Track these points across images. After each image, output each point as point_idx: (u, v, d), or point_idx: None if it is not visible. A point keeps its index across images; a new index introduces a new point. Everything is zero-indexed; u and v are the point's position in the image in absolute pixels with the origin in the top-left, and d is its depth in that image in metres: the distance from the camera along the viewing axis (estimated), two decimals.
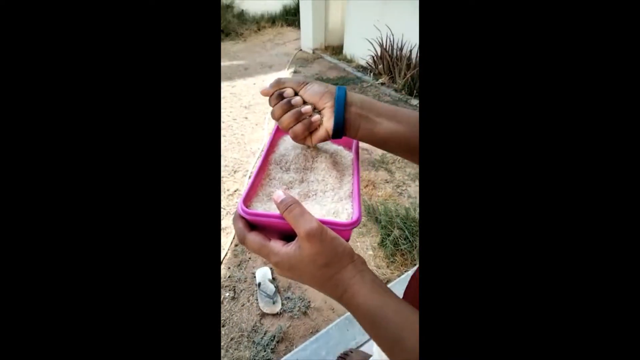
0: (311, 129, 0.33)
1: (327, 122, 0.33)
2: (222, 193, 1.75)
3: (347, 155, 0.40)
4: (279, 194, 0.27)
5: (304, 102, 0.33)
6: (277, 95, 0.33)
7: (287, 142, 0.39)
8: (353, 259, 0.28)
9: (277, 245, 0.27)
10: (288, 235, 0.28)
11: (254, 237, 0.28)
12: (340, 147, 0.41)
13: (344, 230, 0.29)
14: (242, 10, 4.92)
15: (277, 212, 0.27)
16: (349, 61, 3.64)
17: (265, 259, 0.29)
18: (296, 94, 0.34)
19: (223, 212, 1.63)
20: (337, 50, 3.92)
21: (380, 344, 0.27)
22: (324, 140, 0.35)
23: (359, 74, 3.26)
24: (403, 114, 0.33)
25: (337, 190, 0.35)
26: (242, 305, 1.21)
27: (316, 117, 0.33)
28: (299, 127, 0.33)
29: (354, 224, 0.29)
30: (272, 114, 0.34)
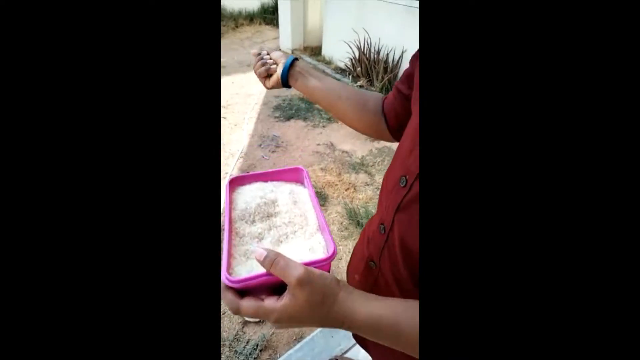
0: (269, 72, 0.53)
1: (278, 69, 0.51)
2: None
3: (302, 191, 0.42)
4: (260, 251, 0.28)
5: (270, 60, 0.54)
6: (259, 57, 0.54)
7: (242, 195, 0.40)
8: (339, 285, 0.29)
9: (271, 303, 0.28)
10: (276, 287, 0.29)
11: (247, 304, 0.28)
12: (294, 185, 0.43)
13: (326, 264, 0.30)
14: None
15: (260, 270, 0.28)
16: (328, 63, 3.66)
17: (263, 319, 0.30)
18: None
19: None
20: (316, 51, 3.92)
21: (394, 347, 0.29)
22: (276, 84, 0.52)
23: (338, 76, 3.29)
24: (328, 80, 0.52)
25: (305, 227, 0.37)
26: (223, 313, 1.17)
27: (273, 66, 0.52)
28: (262, 68, 0.52)
29: (332, 256, 0.31)
30: (254, 66, 0.54)
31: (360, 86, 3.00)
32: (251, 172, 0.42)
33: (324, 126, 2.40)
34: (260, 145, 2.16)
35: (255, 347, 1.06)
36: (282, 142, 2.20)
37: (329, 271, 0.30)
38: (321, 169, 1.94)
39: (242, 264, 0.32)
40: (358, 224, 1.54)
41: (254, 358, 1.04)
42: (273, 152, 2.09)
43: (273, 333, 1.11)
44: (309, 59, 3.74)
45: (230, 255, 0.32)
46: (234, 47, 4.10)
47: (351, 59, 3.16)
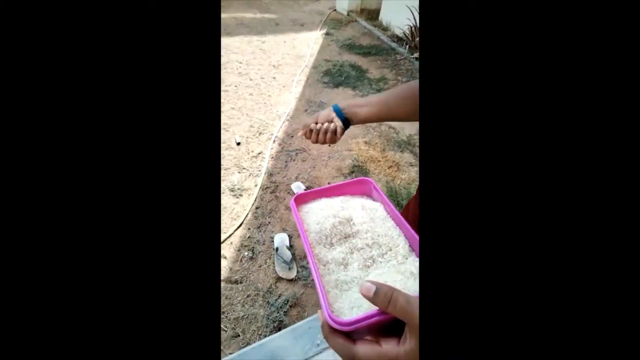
0: (332, 131, 0.54)
1: (338, 122, 0.53)
2: (246, 154, 1.75)
3: (376, 207, 0.38)
4: (367, 286, 0.24)
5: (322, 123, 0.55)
6: (309, 131, 0.55)
7: (311, 214, 0.37)
8: None
9: (391, 347, 0.24)
10: (384, 325, 0.25)
11: (365, 350, 0.24)
12: (364, 199, 0.40)
13: None
14: None
15: (364, 303, 0.25)
16: (385, 29, 3.40)
17: None
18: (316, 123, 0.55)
19: (246, 174, 1.64)
20: (373, 14, 3.65)
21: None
22: (342, 133, 0.54)
23: (394, 45, 3.06)
24: (374, 100, 0.54)
25: (394, 249, 0.33)
26: (259, 267, 1.25)
27: (331, 125, 0.53)
28: (328, 136, 0.54)
29: None
30: (312, 141, 0.55)
31: (417, 58, 2.78)
32: (314, 189, 0.39)
33: None
34: (306, 110, 2.14)
35: (285, 302, 1.14)
36: None
37: None
38: (365, 142, 1.89)
39: (339, 298, 0.28)
40: (398, 204, 1.51)
41: (284, 312, 1.11)
42: None
43: (303, 293, 1.18)
44: (364, 23, 3.50)
45: (325, 293, 0.27)
46: (289, 4, 3.94)
47: (411, 27, 2.91)
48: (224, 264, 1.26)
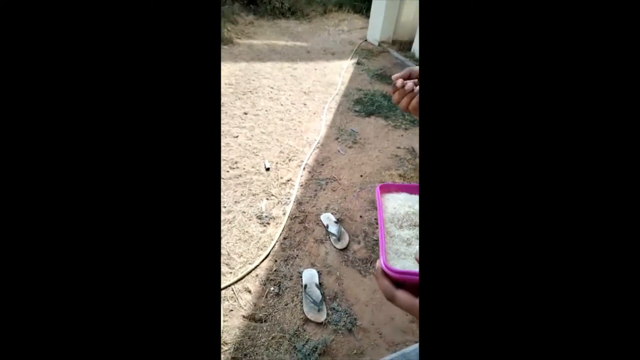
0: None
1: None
2: (275, 181, 1.71)
3: None
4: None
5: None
6: (399, 90, 0.47)
7: (391, 201, 0.42)
8: None
9: None
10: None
11: (404, 296, 0.29)
12: None
13: None
14: None
15: (415, 269, 0.30)
16: (417, 60, 3.42)
17: (413, 316, 0.30)
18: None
19: (274, 201, 1.59)
20: (405, 46, 3.69)
21: None
22: None
23: None
24: None
25: None
26: (286, 305, 1.17)
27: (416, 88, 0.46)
28: (407, 101, 0.46)
29: None
30: (394, 100, 0.48)
31: None
32: (397, 183, 0.44)
33: (406, 128, 2.25)
34: (337, 138, 2.11)
35: (314, 349, 1.04)
36: (360, 138, 2.12)
37: None
38: (399, 175, 1.82)
39: (394, 260, 0.34)
40: None
41: None
42: (350, 147, 2.03)
43: (333, 340, 1.07)
44: (396, 54, 3.54)
45: (384, 249, 0.34)
46: (320, 34, 4.07)
47: None
48: (248, 298, 1.18)
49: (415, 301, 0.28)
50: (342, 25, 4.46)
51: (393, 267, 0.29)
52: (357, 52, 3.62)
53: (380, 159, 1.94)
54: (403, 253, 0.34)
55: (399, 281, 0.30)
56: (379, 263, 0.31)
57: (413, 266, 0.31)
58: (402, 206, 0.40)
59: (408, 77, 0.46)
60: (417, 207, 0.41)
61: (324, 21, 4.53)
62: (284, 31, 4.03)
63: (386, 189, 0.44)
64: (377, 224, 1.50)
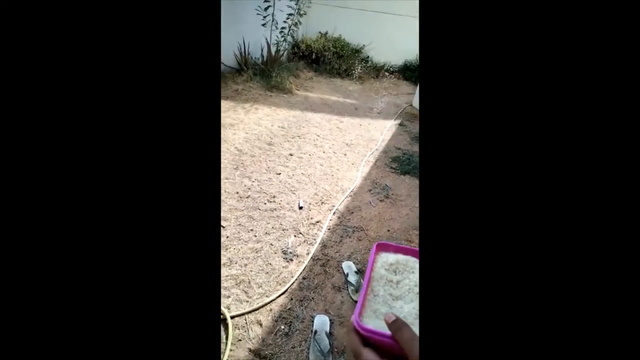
0: None
1: None
2: (305, 220, 1.79)
3: None
4: (390, 315, 0.30)
5: None
6: None
7: (384, 258, 0.43)
8: None
9: None
10: (395, 356, 0.29)
11: (369, 355, 0.29)
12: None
13: None
14: (368, 56, 5.32)
15: (386, 331, 0.30)
16: None
17: None
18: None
19: (301, 239, 1.65)
20: None
21: None
22: None
23: None
24: None
25: None
26: (293, 347, 1.15)
27: None
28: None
29: None
30: None
31: None
32: (397, 244, 0.44)
33: None
34: (370, 190, 2.18)
35: None
36: (393, 194, 2.16)
37: None
38: None
39: (370, 318, 0.34)
40: None
41: None
42: (381, 201, 2.07)
43: None
44: None
45: (362, 305, 0.35)
46: (369, 95, 4.42)
47: None
48: (258, 331, 1.19)
49: None
50: (391, 89, 4.81)
51: (365, 325, 0.30)
52: (402, 114, 3.83)
53: (410, 217, 1.95)
54: (382, 313, 0.34)
55: (368, 340, 0.30)
56: (352, 318, 0.32)
57: (384, 328, 0.31)
58: (396, 265, 0.41)
59: None
60: (410, 270, 0.41)
61: (376, 84, 4.93)
62: (338, 89, 4.45)
63: (383, 247, 0.44)
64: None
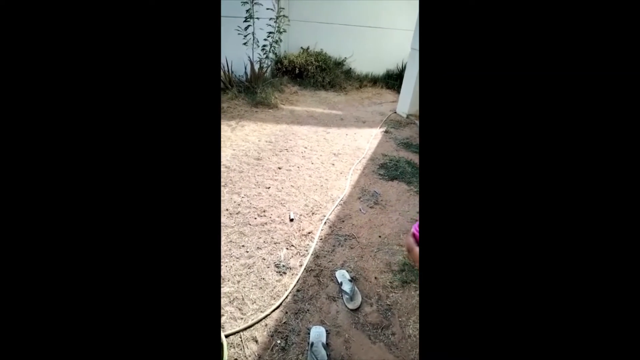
0: None
1: None
2: (297, 232, 1.79)
3: None
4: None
5: None
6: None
7: None
8: None
9: None
10: None
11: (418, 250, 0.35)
12: None
13: None
14: (350, 68, 5.46)
15: None
16: None
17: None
18: None
19: (293, 251, 1.64)
20: None
21: None
22: None
23: None
24: None
25: None
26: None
27: None
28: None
29: None
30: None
31: None
32: None
33: None
34: (359, 198, 2.20)
35: None
36: (382, 200, 2.19)
37: None
38: None
39: None
40: None
41: None
42: (371, 207, 2.09)
43: None
44: None
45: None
46: (354, 105, 4.51)
47: None
48: (254, 348, 1.17)
49: None
50: (375, 98, 4.93)
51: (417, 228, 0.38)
52: (387, 122, 3.92)
53: (400, 222, 1.97)
54: None
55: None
56: (413, 227, 0.42)
57: None
58: None
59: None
60: None
61: (359, 94, 5.04)
62: (323, 101, 4.54)
63: None
64: (392, 286, 1.47)
